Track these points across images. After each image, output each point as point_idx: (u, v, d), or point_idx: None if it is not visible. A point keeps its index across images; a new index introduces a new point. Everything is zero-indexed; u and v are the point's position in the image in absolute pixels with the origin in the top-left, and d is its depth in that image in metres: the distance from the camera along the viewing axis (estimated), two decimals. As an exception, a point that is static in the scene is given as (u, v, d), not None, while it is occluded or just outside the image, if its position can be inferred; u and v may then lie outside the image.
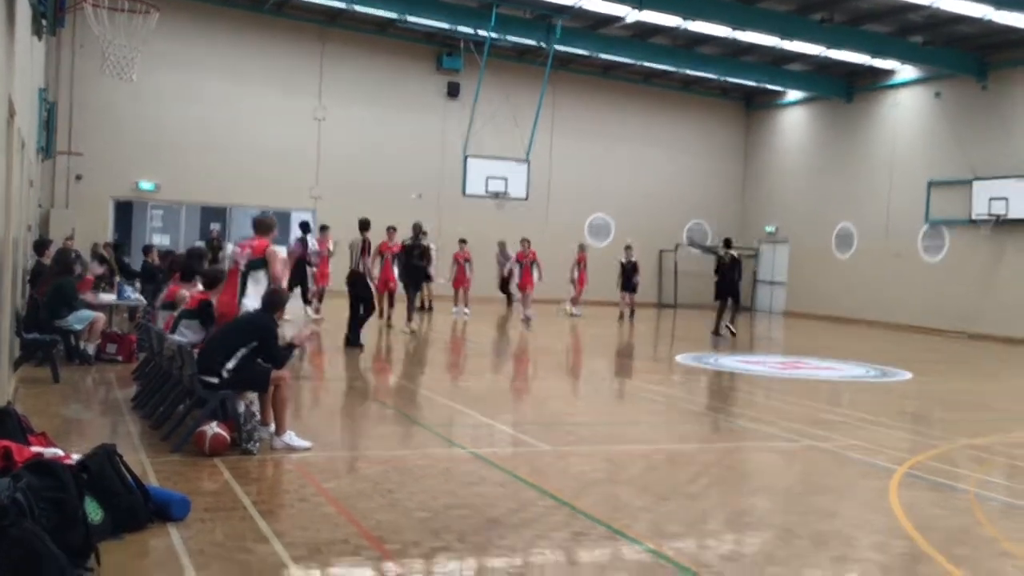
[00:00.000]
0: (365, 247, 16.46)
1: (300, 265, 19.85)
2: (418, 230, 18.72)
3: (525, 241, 24.10)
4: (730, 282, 20.17)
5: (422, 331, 19.06)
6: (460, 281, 23.63)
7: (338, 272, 19.71)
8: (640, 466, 7.95)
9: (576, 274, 24.97)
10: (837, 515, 6.61)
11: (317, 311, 20.34)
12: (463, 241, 24.20)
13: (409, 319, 18.27)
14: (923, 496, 7.30)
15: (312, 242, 20.53)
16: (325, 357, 14.59)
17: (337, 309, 19.47)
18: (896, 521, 6.48)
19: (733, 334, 19.91)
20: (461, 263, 23.75)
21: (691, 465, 8.00)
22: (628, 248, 25.17)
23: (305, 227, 20.88)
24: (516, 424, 9.73)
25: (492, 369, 15.12)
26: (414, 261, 18.44)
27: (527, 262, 23.69)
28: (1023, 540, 6.31)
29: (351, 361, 14.27)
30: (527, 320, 21.58)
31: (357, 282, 15.95)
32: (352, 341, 15.38)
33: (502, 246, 25.77)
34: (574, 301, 25.14)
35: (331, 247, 20.87)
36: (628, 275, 24.66)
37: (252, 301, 8.91)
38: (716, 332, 20.10)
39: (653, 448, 8.76)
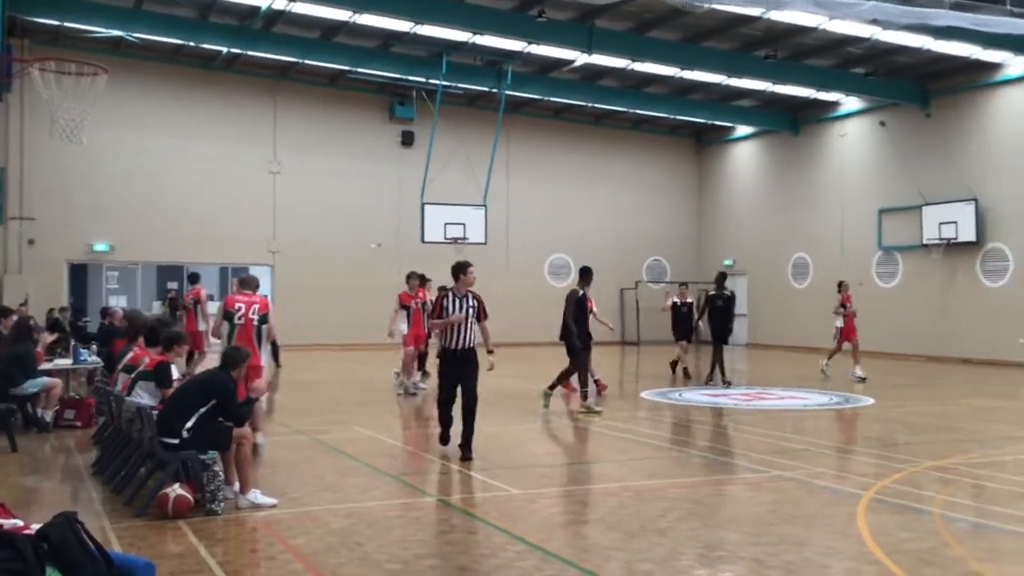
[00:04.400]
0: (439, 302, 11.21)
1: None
2: (589, 276, 15.09)
3: (414, 278, 16.57)
4: (724, 323, 18.06)
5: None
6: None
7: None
8: (609, 505, 7.94)
9: (842, 322, 19.79)
10: (807, 544, 6.63)
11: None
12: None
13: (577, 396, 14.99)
14: (890, 520, 7.35)
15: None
16: (287, 411, 14.44)
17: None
18: (865, 547, 6.52)
19: (728, 383, 17.78)
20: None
21: (660, 501, 8.00)
22: (683, 286, 21.18)
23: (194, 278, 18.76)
24: (484, 469, 9.67)
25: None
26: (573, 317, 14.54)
27: (416, 305, 16.39)
28: (990, 559, 6.38)
29: (314, 414, 14.13)
30: (414, 388, 16.60)
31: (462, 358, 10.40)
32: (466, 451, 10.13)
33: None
34: (853, 356, 19.83)
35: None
36: (685, 320, 19.82)
37: (265, 355, 9.27)
38: (710, 380, 18.14)
39: (621, 486, 8.75)
